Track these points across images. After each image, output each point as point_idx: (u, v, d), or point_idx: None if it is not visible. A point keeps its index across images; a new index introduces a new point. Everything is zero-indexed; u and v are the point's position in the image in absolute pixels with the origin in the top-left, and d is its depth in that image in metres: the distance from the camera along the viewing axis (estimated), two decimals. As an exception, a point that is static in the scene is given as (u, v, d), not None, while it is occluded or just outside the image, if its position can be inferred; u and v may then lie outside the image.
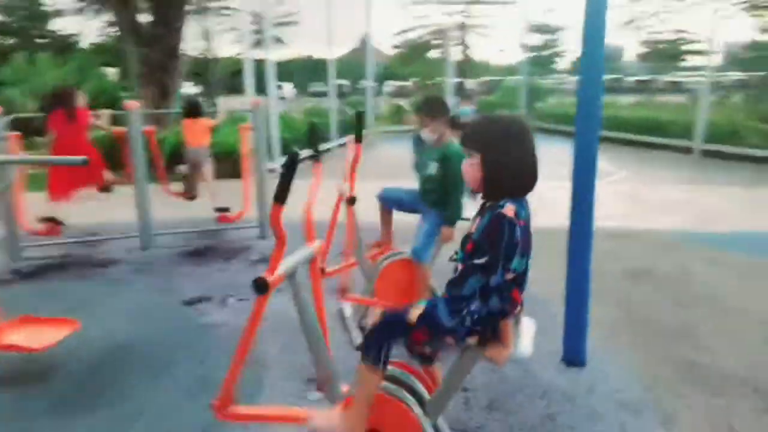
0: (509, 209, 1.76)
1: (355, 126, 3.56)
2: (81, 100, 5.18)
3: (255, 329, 1.98)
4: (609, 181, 8.60)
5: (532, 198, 1.88)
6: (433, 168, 3.30)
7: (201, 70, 13.61)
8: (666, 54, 26.00)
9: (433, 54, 28.62)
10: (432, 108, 3.28)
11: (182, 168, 6.11)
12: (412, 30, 28.70)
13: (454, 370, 1.93)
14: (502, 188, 1.82)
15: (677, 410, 2.63)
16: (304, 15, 25.54)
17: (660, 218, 6.40)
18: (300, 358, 3.10)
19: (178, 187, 6.08)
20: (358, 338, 3.23)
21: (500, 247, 1.74)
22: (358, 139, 3.54)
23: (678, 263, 4.80)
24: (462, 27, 17.87)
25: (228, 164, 8.18)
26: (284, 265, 1.94)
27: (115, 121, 5.82)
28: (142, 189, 5.19)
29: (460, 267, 1.91)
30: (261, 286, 1.82)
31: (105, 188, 5.45)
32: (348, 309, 3.59)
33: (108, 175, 5.39)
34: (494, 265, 1.75)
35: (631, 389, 2.82)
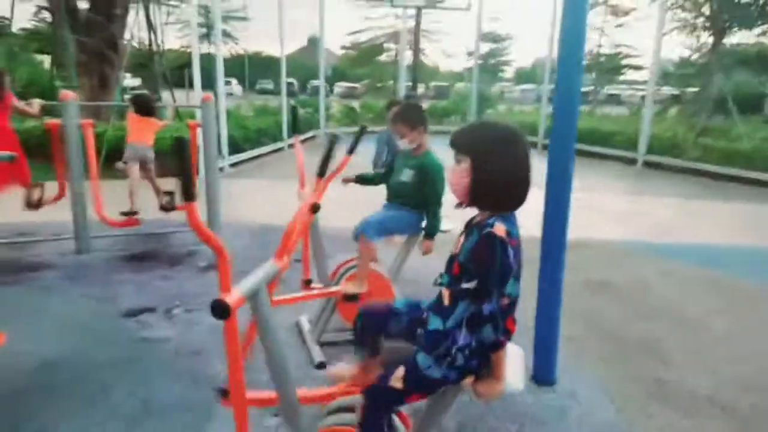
0: (499, 229, 1.59)
1: (355, 136, 3.33)
2: (7, 81, 4.65)
3: (241, 362, 1.70)
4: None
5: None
6: (407, 175, 3.16)
7: (144, 62, 12.93)
8: (605, 67, 26.97)
9: (383, 57, 28.59)
10: (412, 117, 3.13)
11: (120, 165, 5.70)
12: (364, 32, 28.59)
13: (434, 406, 1.76)
14: (491, 198, 1.66)
15: (650, 433, 2.57)
16: (252, 11, 25.01)
17: (612, 228, 6.48)
18: (253, 377, 2.85)
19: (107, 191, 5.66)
20: (318, 356, 3.01)
21: (491, 272, 1.57)
22: (351, 151, 3.32)
23: (633, 274, 4.84)
24: (415, 31, 17.82)
25: (174, 161, 7.77)
26: (246, 283, 1.70)
27: (49, 112, 5.33)
28: (78, 187, 4.77)
29: (446, 292, 1.74)
30: (221, 311, 1.56)
31: (32, 204, 4.88)
32: (306, 323, 3.36)
33: (36, 192, 4.83)
34: (486, 291, 1.59)
35: (602, 411, 2.73)
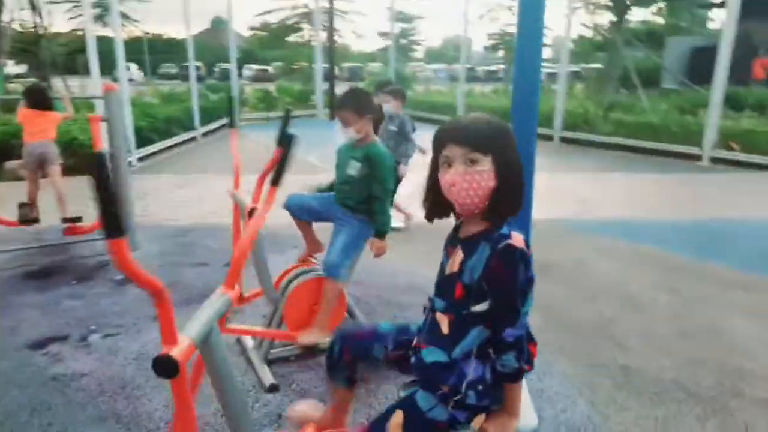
0: (517, 239, 1.36)
1: (282, 122, 2.95)
2: None
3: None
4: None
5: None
6: (354, 168, 2.83)
7: (30, 46, 11.60)
8: (513, 46, 27.69)
9: (295, 38, 27.65)
10: (360, 104, 2.78)
11: (13, 164, 5.00)
12: (273, 12, 27.45)
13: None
14: (512, 203, 1.41)
15: (628, 428, 2.47)
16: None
17: (538, 207, 6.44)
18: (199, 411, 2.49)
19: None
20: (268, 377, 2.68)
21: (515, 291, 1.34)
22: (281, 142, 2.93)
23: (572, 253, 4.84)
24: (329, 11, 17.23)
25: (72, 160, 6.98)
26: (193, 326, 1.35)
27: None
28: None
29: (444, 318, 1.46)
30: (168, 368, 1.22)
31: None
32: (249, 339, 3.01)
33: None
34: (510, 313, 1.36)
35: (575, 408, 2.61)
